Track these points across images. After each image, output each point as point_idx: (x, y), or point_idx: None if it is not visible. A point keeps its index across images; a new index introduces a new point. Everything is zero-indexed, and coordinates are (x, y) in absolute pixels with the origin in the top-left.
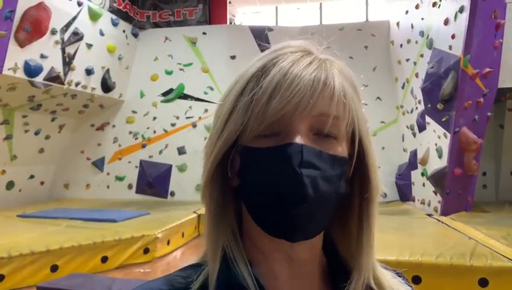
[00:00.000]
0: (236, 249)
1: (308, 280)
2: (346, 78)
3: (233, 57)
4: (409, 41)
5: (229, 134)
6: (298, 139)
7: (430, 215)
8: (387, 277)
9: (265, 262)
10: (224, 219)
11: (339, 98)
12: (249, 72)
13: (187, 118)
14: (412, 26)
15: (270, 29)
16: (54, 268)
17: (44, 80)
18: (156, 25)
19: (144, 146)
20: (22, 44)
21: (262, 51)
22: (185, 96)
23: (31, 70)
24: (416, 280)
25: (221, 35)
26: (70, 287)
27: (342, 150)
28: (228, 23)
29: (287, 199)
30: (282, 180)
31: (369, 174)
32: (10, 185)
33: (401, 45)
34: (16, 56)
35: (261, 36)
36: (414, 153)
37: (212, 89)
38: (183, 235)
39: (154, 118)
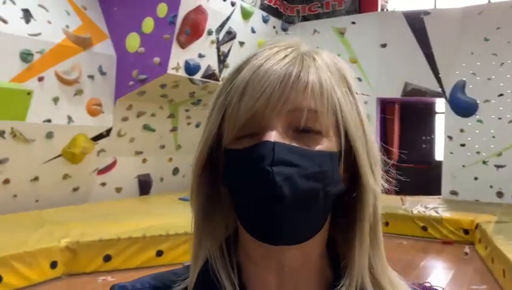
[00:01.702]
0: (220, 261)
1: None
2: (331, 70)
3: (384, 45)
4: None
5: (206, 138)
6: (271, 137)
7: None
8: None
9: (256, 271)
10: (210, 228)
11: (314, 90)
12: (227, 75)
13: None
14: None
15: (427, 13)
16: None
17: (201, 77)
18: (305, 18)
19: None
20: (182, 45)
21: (416, 36)
22: None
23: (191, 69)
24: None
25: (372, 23)
26: None
27: (328, 144)
28: (379, 10)
29: (262, 200)
30: (255, 180)
31: (358, 170)
32: (176, 171)
33: None
34: (178, 56)
35: (416, 21)
36: None
37: (360, 79)
38: None
39: None
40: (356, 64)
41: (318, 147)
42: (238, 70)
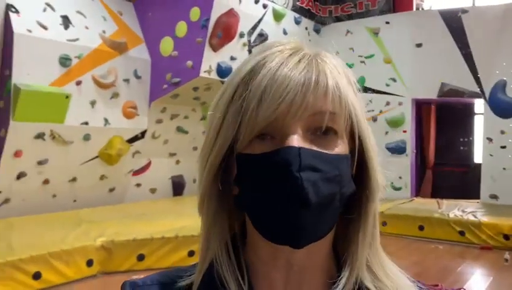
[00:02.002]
0: (226, 262)
1: (307, 289)
2: (340, 72)
3: (419, 45)
4: None
5: (221, 144)
6: (295, 142)
7: None
8: (399, 282)
9: (264, 270)
10: (218, 230)
11: (334, 94)
12: (238, 77)
13: (367, 111)
14: None
15: (465, 11)
16: None
17: None
18: (338, 19)
19: None
20: (215, 48)
21: (453, 36)
22: (365, 89)
23: (222, 71)
24: None
25: (406, 23)
26: None
27: (343, 147)
28: (415, 9)
29: (288, 206)
30: (282, 187)
31: (369, 170)
32: None
33: None
34: (210, 59)
35: (453, 20)
36: None
37: (394, 80)
38: None
39: None
40: (390, 65)
41: (336, 150)
42: (251, 73)
